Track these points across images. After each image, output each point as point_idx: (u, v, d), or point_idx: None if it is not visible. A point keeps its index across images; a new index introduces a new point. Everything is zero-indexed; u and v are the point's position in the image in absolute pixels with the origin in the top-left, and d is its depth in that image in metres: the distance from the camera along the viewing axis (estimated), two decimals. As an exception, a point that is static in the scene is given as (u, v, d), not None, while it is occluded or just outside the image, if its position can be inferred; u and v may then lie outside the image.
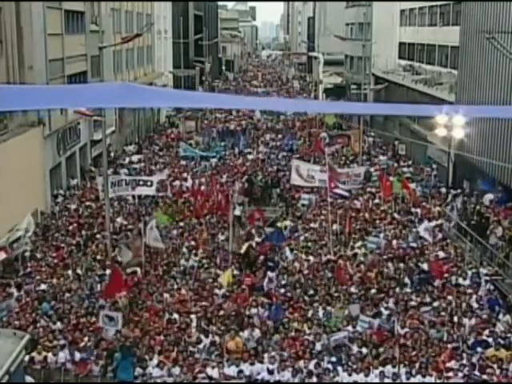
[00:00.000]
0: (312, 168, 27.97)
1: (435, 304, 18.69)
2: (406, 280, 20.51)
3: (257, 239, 24.30)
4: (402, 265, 21.54)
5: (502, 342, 16.43)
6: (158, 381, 15.23)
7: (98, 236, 24.27)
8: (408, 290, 19.92)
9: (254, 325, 17.45)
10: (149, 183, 26.82)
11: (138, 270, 20.89)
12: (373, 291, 19.62)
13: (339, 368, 15.48)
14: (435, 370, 15.22)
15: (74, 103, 7.75)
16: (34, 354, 15.52)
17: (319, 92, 73.11)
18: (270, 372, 15.37)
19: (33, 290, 19.38)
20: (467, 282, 20.23)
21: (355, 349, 16.35)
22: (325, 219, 25.56)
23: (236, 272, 21.16)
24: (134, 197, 28.29)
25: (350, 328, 17.29)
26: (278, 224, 26.18)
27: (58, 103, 7.32)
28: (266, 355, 16.00)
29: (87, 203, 28.67)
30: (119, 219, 26.50)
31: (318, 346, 16.47)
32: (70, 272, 20.83)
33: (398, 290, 19.87)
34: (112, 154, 38.66)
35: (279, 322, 17.68)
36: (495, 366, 15.29)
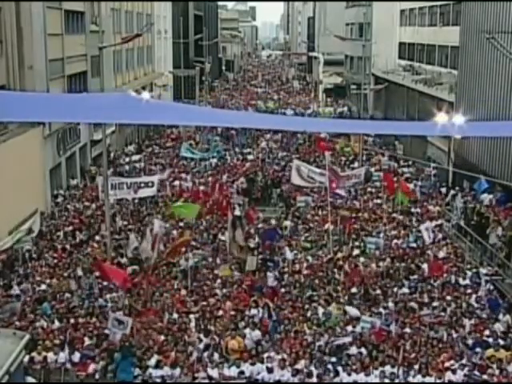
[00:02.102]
0: (312, 169, 28.05)
1: (435, 304, 18.68)
2: (405, 280, 20.52)
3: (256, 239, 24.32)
4: (402, 264, 21.54)
5: (501, 342, 16.42)
6: (158, 381, 15.23)
7: (97, 236, 24.28)
8: (407, 290, 19.90)
9: (255, 324, 17.44)
10: (150, 184, 26.89)
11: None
12: (373, 291, 19.61)
13: (339, 368, 15.47)
14: (435, 370, 15.22)
15: (73, 116, 7.76)
16: (33, 354, 15.51)
17: (319, 92, 73.18)
18: (270, 371, 15.36)
19: (30, 290, 19.35)
20: (467, 282, 20.23)
21: (355, 349, 16.34)
22: (324, 220, 25.53)
23: (236, 273, 21.19)
24: (133, 197, 28.28)
25: (349, 328, 17.30)
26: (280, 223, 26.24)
27: (57, 116, 7.35)
28: (265, 355, 16.01)
29: (87, 203, 28.66)
30: (118, 219, 26.48)
31: (319, 346, 16.46)
32: (69, 272, 20.84)
33: (397, 290, 19.86)
34: (112, 154, 38.66)
35: (278, 328, 17.60)
36: (495, 366, 15.29)
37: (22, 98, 6.59)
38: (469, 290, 19.50)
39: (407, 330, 17.24)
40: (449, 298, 18.99)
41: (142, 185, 26.71)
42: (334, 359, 15.91)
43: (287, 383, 15.24)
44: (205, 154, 38.66)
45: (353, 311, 18.07)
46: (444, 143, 34.21)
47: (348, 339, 16.63)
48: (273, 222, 26.99)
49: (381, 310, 18.34)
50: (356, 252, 23.04)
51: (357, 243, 23.89)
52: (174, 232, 24.96)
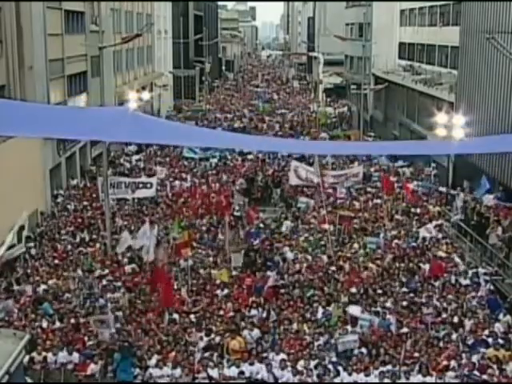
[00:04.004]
0: (310, 170, 28.05)
1: (435, 303, 18.66)
2: (405, 280, 20.52)
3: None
4: (402, 265, 21.54)
5: (501, 342, 16.42)
6: (158, 381, 15.22)
7: (96, 236, 24.27)
8: (407, 290, 19.89)
9: (255, 325, 17.44)
10: (148, 185, 26.86)
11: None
12: (372, 291, 19.60)
13: (339, 368, 15.46)
14: (435, 370, 15.21)
15: (74, 133, 7.78)
16: (33, 354, 15.51)
17: (319, 92, 73.20)
18: (270, 372, 15.36)
19: (30, 290, 19.32)
20: (467, 282, 20.22)
21: (355, 349, 16.33)
22: (324, 220, 25.50)
23: (235, 272, 21.19)
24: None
25: (349, 327, 17.28)
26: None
27: (57, 132, 7.36)
28: (265, 355, 16.01)
29: (85, 203, 28.62)
30: (118, 219, 26.46)
31: (318, 346, 16.46)
32: (69, 272, 20.83)
33: (397, 289, 19.86)
34: (112, 154, 38.66)
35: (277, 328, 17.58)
36: (495, 366, 15.28)
37: (22, 108, 6.56)
38: (469, 291, 19.48)
39: (407, 329, 17.23)
40: (450, 297, 18.98)
41: (141, 185, 26.69)
42: (334, 359, 15.91)
43: (287, 383, 15.24)
44: (207, 153, 38.67)
45: (355, 310, 18.00)
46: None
47: (354, 337, 16.56)
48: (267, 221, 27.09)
49: (379, 309, 18.32)
50: (356, 252, 23.02)
51: (356, 244, 23.86)
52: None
